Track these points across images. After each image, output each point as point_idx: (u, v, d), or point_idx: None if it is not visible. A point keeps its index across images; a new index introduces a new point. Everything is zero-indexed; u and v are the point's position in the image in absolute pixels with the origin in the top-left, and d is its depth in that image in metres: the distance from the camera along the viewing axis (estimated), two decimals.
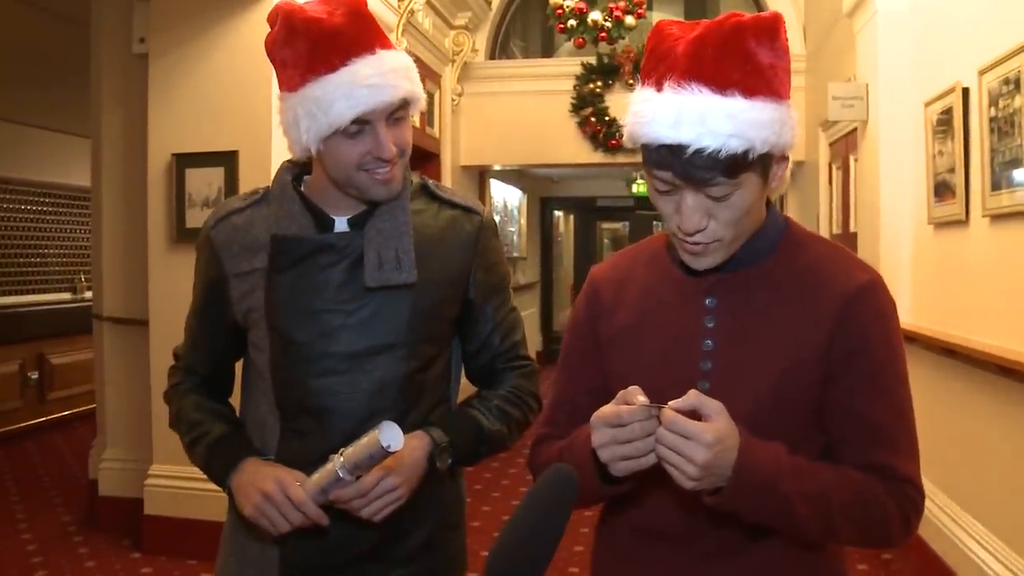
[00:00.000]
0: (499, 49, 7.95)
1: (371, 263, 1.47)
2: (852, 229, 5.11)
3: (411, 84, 1.45)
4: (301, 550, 1.50)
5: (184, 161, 4.20)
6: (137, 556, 4.34)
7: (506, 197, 10.00)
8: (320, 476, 1.40)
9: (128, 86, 4.52)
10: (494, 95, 7.47)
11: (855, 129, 4.95)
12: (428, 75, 6.41)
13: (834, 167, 5.64)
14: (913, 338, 4.16)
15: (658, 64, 1.19)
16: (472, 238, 1.59)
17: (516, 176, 10.40)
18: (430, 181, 1.63)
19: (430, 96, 6.53)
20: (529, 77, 7.64)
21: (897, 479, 1.23)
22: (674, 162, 1.15)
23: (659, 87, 1.17)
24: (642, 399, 1.13)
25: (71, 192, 7.64)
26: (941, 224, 4.01)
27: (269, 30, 1.46)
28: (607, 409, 1.15)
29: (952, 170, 3.80)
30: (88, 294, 6.92)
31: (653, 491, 1.31)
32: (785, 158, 1.23)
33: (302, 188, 1.56)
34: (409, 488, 1.46)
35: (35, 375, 7.34)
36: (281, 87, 1.46)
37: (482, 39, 7.62)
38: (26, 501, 5.40)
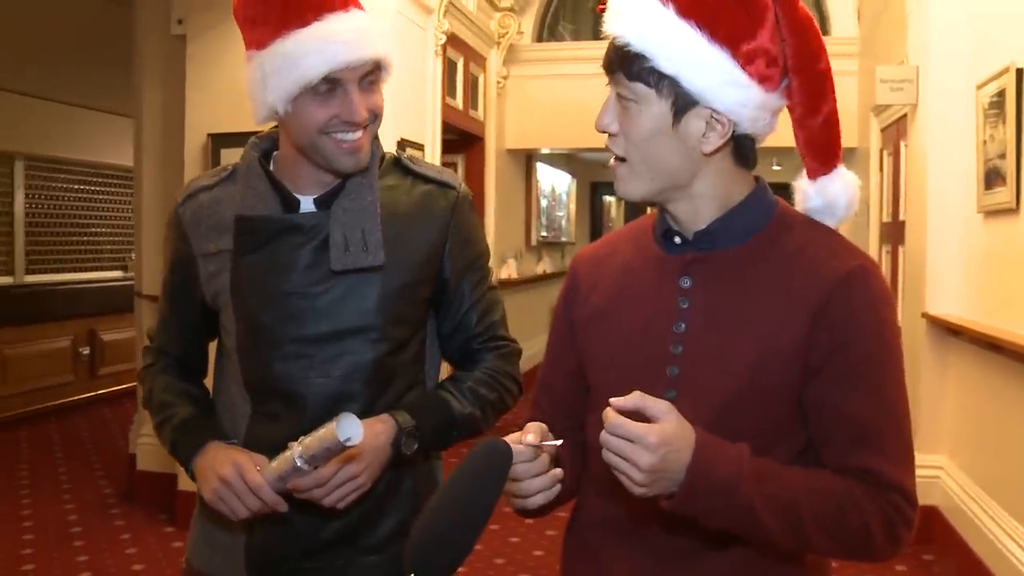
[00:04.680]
0: (547, 31, 7.88)
1: (337, 245, 1.42)
2: (901, 217, 4.94)
3: (385, 47, 1.41)
4: (267, 537, 1.47)
5: (220, 141, 4.23)
6: (171, 530, 4.42)
7: (554, 182, 9.92)
8: (278, 464, 1.35)
9: (167, 67, 4.58)
10: (541, 78, 7.40)
11: (907, 114, 4.78)
12: (472, 58, 6.38)
13: (885, 153, 5.47)
14: (958, 331, 4.02)
15: None
16: (446, 213, 1.53)
17: (565, 160, 10.32)
18: (404, 155, 1.57)
19: (474, 79, 6.49)
20: (578, 60, 7.53)
21: (882, 486, 1.13)
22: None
23: None
24: (530, 438, 1.10)
25: (120, 171, 7.76)
26: (991, 212, 3.85)
27: None
28: None
29: (1003, 156, 3.64)
30: None
31: (618, 486, 1.25)
32: (720, 123, 1.16)
33: (271, 166, 1.51)
34: (371, 475, 1.41)
35: (86, 351, 7.52)
36: (249, 46, 1.41)
37: (529, 21, 7.56)
38: (72, 472, 5.55)
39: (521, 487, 1.12)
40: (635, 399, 1.05)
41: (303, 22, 1.34)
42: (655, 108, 1.15)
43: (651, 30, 1.13)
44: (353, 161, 1.42)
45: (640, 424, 1.04)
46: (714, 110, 1.15)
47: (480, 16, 6.43)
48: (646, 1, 1.14)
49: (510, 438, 1.11)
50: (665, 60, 1.12)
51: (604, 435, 1.05)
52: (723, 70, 1.13)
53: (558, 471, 1.16)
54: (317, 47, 1.33)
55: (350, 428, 1.26)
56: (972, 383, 4.01)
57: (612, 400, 1.06)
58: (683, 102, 1.14)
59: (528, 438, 1.10)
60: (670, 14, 1.13)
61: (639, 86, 1.15)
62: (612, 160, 1.22)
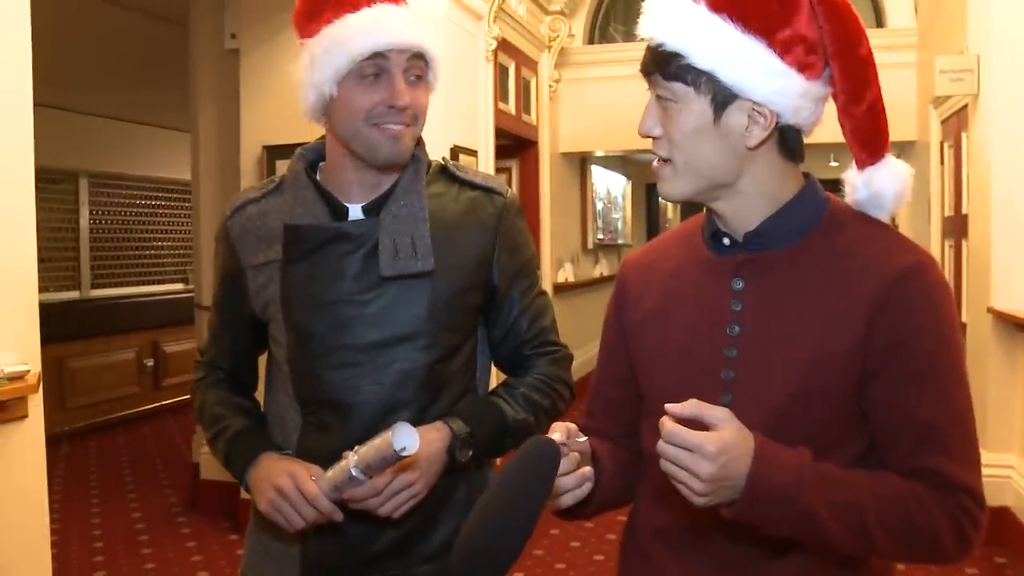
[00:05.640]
0: (598, 33, 7.84)
1: (386, 252, 1.42)
2: (964, 211, 4.82)
3: (433, 39, 1.44)
4: (322, 548, 1.47)
5: (275, 153, 4.28)
6: (235, 538, 4.48)
7: (609, 184, 9.87)
8: (334, 473, 1.35)
9: (222, 81, 4.66)
10: (594, 80, 7.36)
11: (967, 105, 4.67)
12: (524, 62, 6.38)
13: (946, 146, 5.33)
14: None
15: None
16: (494, 220, 1.53)
17: (620, 162, 10.27)
18: (450, 163, 1.58)
19: (526, 83, 6.49)
20: (630, 61, 7.41)
21: (949, 487, 1.10)
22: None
23: None
24: (557, 437, 1.08)
25: (181, 186, 7.92)
26: None
27: None
28: None
29: None
30: None
31: (674, 493, 1.23)
32: (762, 115, 1.14)
33: (317, 176, 1.52)
34: (427, 483, 1.41)
35: (151, 362, 7.69)
36: (302, 36, 1.45)
37: (579, 24, 7.53)
38: (138, 482, 5.67)
39: (560, 482, 1.10)
40: (692, 407, 1.04)
41: (355, 8, 1.39)
42: (695, 106, 1.14)
43: (683, 28, 1.12)
44: (395, 151, 1.43)
45: (698, 432, 1.02)
46: (755, 102, 1.13)
47: (530, 20, 6.42)
48: (674, 2, 1.14)
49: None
50: (699, 56, 1.12)
51: (661, 445, 1.03)
52: (759, 60, 1.12)
53: (587, 469, 1.15)
54: (367, 28, 1.37)
55: (406, 437, 1.25)
56: None
57: (668, 407, 1.04)
58: (722, 96, 1.13)
59: (555, 436, 1.09)
60: (701, 10, 1.13)
61: (677, 85, 1.14)
62: (656, 162, 1.21)
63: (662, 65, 1.14)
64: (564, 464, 1.10)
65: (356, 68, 1.38)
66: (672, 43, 1.13)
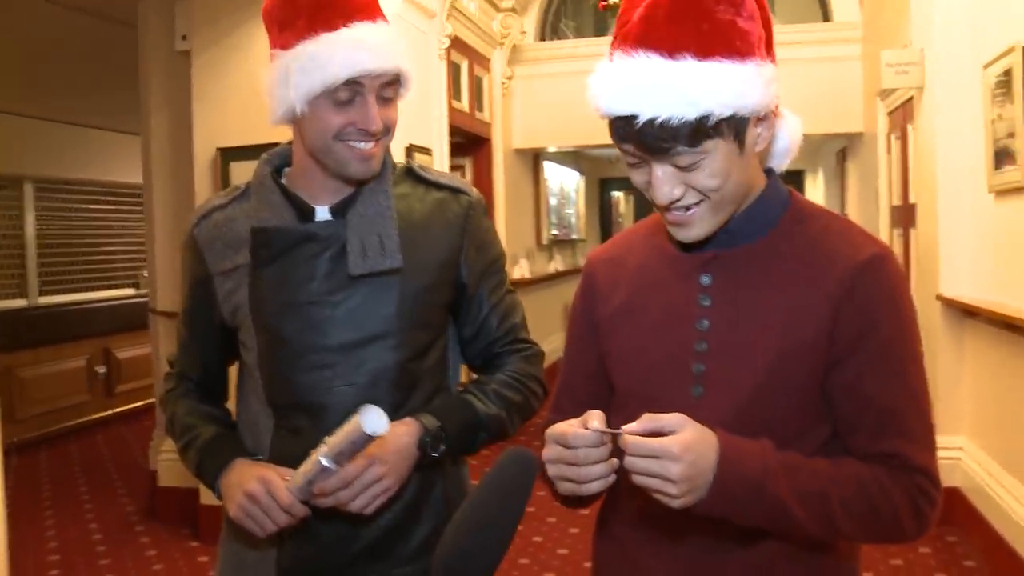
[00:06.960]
0: (549, 30, 7.87)
1: (354, 250, 1.42)
2: (911, 201, 4.93)
3: (406, 61, 1.43)
4: (298, 552, 1.46)
5: (229, 155, 4.23)
6: (195, 545, 4.43)
7: (562, 180, 9.91)
8: (306, 468, 1.34)
9: (173, 83, 4.58)
10: (546, 77, 7.39)
11: (913, 97, 4.77)
12: (476, 59, 6.38)
13: (893, 137, 5.45)
14: (973, 312, 4.01)
15: (619, 31, 1.14)
16: (461, 219, 1.53)
17: (573, 158, 10.31)
18: (415, 164, 1.58)
19: (479, 81, 6.50)
20: (582, 57, 7.52)
21: (907, 469, 1.15)
22: (631, 134, 1.11)
23: (611, 57, 1.13)
24: (596, 424, 1.08)
25: (131, 190, 7.77)
26: (1002, 192, 3.84)
27: None
28: (561, 426, 1.11)
29: (1012, 135, 3.63)
30: None
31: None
32: (765, 119, 1.16)
33: (282, 180, 1.52)
34: (398, 478, 1.40)
35: (102, 369, 7.54)
36: (273, 46, 1.42)
37: (531, 21, 7.56)
38: (93, 492, 5.56)
39: (580, 472, 1.09)
40: (646, 423, 1.06)
41: (331, 27, 1.36)
42: (722, 148, 1.11)
43: (692, 92, 1.07)
44: (364, 168, 1.43)
45: (659, 438, 1.04)
46: (754, 112, 1.13)
47: (482, 18, 6.43)
48: (662, 69, 1.08)
49: (574, 422, 1.11)
50: (721, 108, 1.08)
51: (629, 460, 1.05)
52: (760, 77, 1.11)
53: (615, 460, 1.14)
54: (344, 51, 1.35)
55: (373, 419, 1.25)
56: (989, 363, 4.00)
57: (625, 428, 1.06)
58: (741, 126, 1.12)
59: (594, 424, 1.08)
60: (691, 63, 1.07)
61: (705, 143, 1.10)
62: (675, 213, 1.17)
63: (687, 137, 1.08)
64: (598, 452, 1.09)
65: (329, 91, 1.36)
66: (693, 112, 1.07)
